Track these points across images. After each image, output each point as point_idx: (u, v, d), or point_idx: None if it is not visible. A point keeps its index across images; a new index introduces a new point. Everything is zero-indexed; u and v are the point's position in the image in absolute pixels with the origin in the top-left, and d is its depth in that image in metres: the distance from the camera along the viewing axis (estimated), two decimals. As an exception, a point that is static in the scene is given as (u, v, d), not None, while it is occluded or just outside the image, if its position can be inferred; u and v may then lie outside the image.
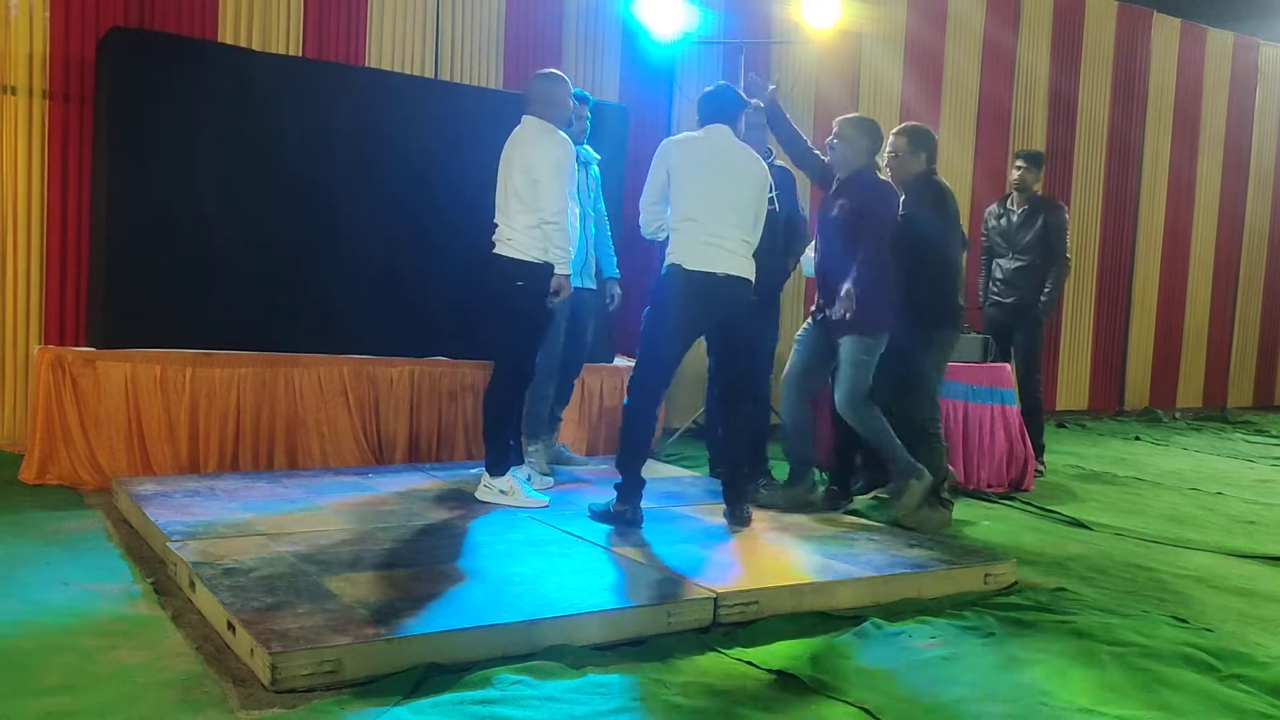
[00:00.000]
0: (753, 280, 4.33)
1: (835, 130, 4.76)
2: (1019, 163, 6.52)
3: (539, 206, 4.33)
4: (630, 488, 4.23)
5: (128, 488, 4.38)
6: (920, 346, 4.77)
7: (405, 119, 5.67)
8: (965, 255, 5.16)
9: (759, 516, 4.46)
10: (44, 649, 2.77)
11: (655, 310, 4.30)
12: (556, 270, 4.40)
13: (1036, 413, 6.49)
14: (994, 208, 6.67)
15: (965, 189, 9.27)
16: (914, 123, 4.99)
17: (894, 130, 4.93)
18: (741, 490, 4.39)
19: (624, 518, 4.19)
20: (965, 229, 9.08)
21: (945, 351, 4.90)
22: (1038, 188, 6.57)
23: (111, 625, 2.98)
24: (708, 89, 4.48)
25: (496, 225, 4.49)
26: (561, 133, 4.48)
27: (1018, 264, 6.43)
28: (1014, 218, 6.47)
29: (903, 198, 4.80)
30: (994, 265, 6.59)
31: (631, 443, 4.30)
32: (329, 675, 2.60)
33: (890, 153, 4.87)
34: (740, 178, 4.30)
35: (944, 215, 4.80)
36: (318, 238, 5.49)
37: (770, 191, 4.87)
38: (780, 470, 5.07)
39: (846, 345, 4.57)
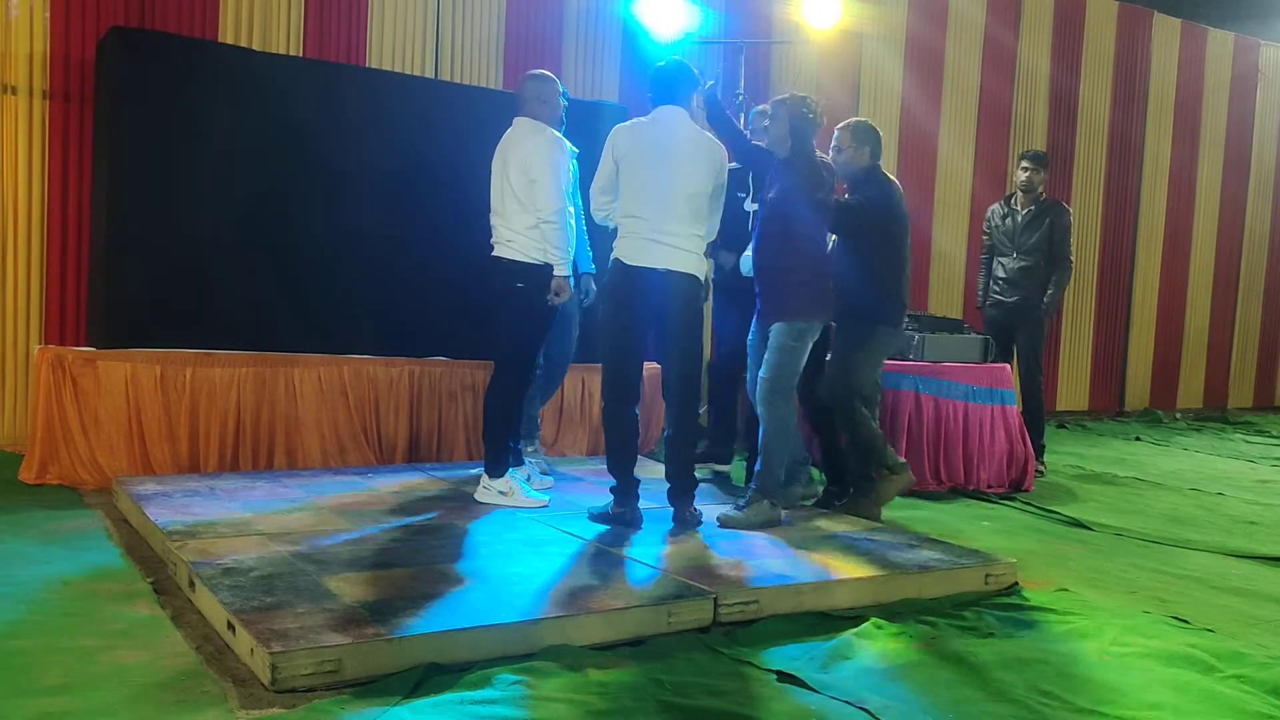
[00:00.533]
0: (699, 275, 4.21)
1: (769, 112, 4.64)
2: (1025, 164, 6.50)
3: (537, 206, 4.32)
4: (624, 489, 4.21)
5: (128, 487, 4.37)
6: (857, 340, 4.65)
7: (405, 119, 5.67)
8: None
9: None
10: (43, 649, 2.77)
11: (604, 307, 4.26)
12: (555, 271, 4.38)
13: (1038, 412, 6.50)
14: (998, 207, 6.65)
15: (965, 189, 9.28)
16: (859, 118, 4.87)
17: (839, 125, 4.81)
18: (685, 491, 4.26)
19: (623, 519, 4.17)
20: (965, 228, 9.19)
21: (881, 349, 4.78)
22: (1042, 188, 6.56)
23: (111, 625, 2.98)
24: (658, 64, 4.33)
25: (494, 228, 4.48)
26: (556, 132, 4.46)
27: (1022, 264, 6.42)
28: (1019, 218, 6.46)
29: (848, 193, 4.71)
30: (996, 264, 6.57)
31: (612, 445, 4.26)
32: (329, 675, 2.60)
33: (834, 147, 4.76)
34: (691, 167, 4.14)
35: (889, 210, 4.66)
36: (318, 237, 5.49)
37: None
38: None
39: (775, 331, 4.36)
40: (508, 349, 4.51)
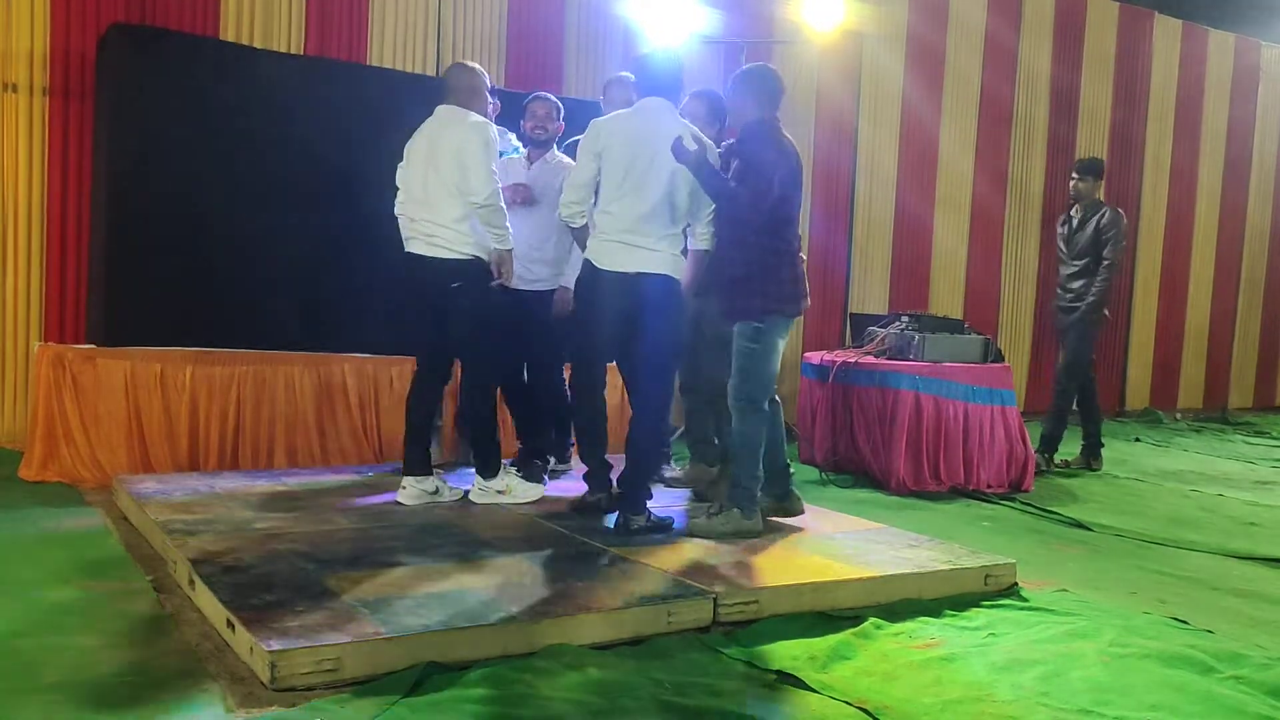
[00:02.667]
0: (673, 274, 4.03)
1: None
2: (1073, 175, 6.71)
3: (471, 190, 4.12)
4: (596, 475, 4.24)
5: (128, 485, 4.37)
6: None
7: (407, 117, 5.65)
8: None
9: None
10: (44, 647, 2.77)
11: (575, 307, 4.21)
12: (496, 246, 4.19)
13: (1063, 409, 6.71)
14: (1064, 215, 6.85)
15: (966, 189, 9.28)
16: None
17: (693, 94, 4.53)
18: (625, 498, 4.08)
19: (598, 506, 4.20)
20: (966, 227, 9.19)
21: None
22: (1098, 195, 6.67)
23: (111, 623, 2.98)
24: (644, 53, 4.17)
25: (415, 222, 4.26)
26: (482, 117, 4.28)
27: (1073, 269, 6.60)
28: (1074, 224, 6.66)
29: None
30: (1059, 269, 6.80)
31: (582, 437, 4.30)
32: (328, 673, 2.59)
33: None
34: (670, 166, 3.94)
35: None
36: (318, 235, 5.49)
37: None
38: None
39: (735, 333, 4.09)
40: (471, 350, 4.35)
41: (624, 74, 4.83)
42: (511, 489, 4.45)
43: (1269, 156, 11.46)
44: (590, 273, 4.08)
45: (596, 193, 4.10)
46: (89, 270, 5.54)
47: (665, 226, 4.01)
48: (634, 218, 3.98)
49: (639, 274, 3.99)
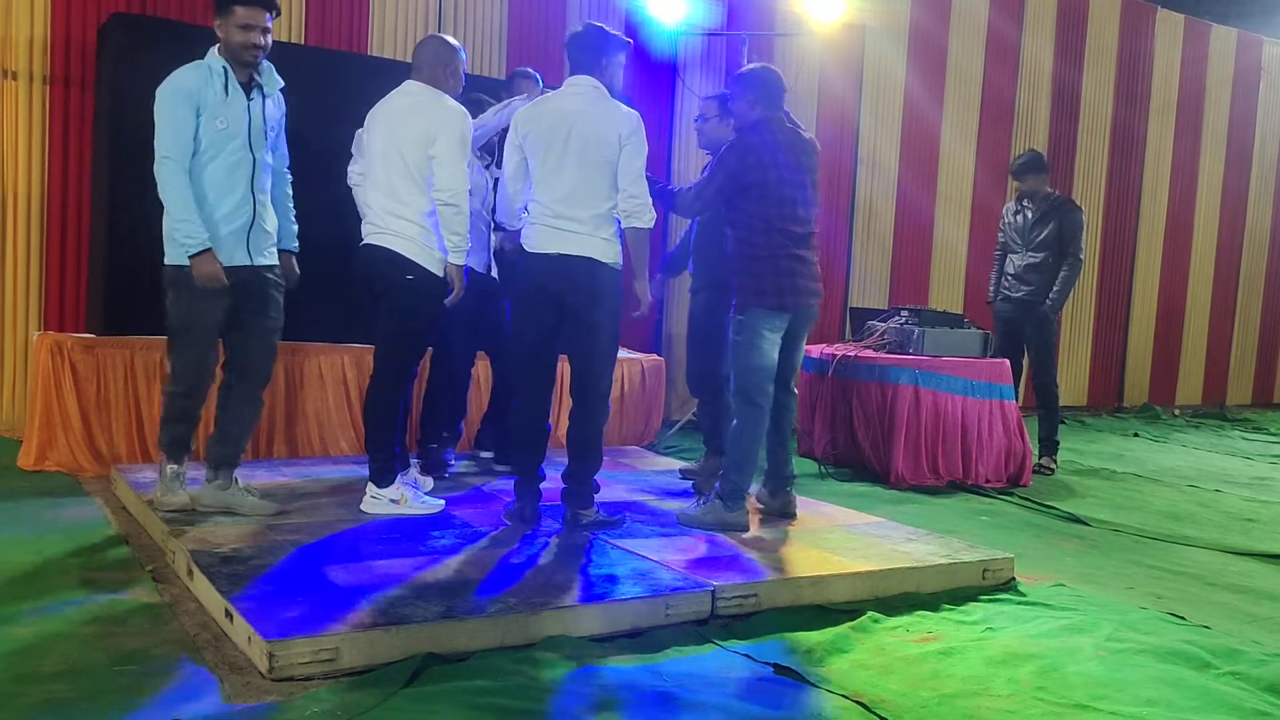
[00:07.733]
0: (600, 258, 3.85)
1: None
2: (1013, 177, 6.60)
3: (437, 185, 3.83)
4: (524, 486, 4.01)
5: (126, 475, 4.38)
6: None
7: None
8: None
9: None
10: (43, 636, 2.77)
11: (511, 296, 4.04)
12: (450, 259, 3.91)
13: (1052, 408, 6.51)
14: (1011, 204, 6.70)
15: (968, 183, 9.27)
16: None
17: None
18: (572, 493, 4.00)
19: (521, 516, 3.96)
20: (967, 222, 9.19)
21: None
22: (1048, 188, 6.54)
23: (110, 613, 2.98)
24: (571, 32, 4.02)
25: (377, 212, 4.01)
26: (459, 104, 3.99)
27: (1030, 260, 6.43)
28: (1030, 214, 6.48)
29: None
30: (1007, 260, 6.62)
31: (518, 440, 4.07)
32: (327, 664, 2.60)
33: (701, 117, 4.81)
34: (583, 145, 3.81)
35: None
36: (318, 225, 5.46)
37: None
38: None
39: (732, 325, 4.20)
40: (390, 345, 4.04)
41: (527, 69, 5.05)
42: (406, 499, 4.06)
43: (1270, 153, 11.45)
44: (522, 258, 3.98)
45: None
46: (88, 259, 5.53)
47: (588, 207, 3.84)
48: (556, 200, 3.85)
49: (562, 255, 3.83)
